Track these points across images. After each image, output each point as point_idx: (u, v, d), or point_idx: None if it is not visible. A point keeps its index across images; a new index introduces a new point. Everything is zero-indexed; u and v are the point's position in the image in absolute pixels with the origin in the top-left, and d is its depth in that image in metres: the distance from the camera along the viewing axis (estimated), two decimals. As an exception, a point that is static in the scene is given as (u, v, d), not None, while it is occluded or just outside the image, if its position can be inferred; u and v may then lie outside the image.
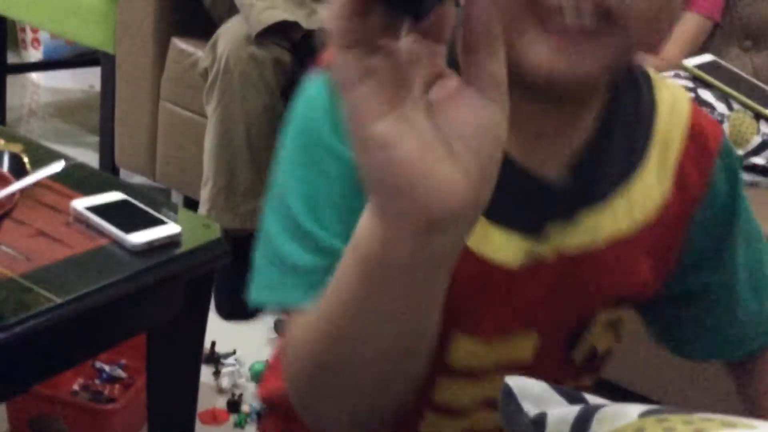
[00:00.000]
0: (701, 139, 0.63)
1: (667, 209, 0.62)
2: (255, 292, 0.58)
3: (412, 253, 0.40)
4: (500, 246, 0.58)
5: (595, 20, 0.50)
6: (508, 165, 0.47)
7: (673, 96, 0.63)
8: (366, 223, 0.41)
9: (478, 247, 0.57)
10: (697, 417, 0.47)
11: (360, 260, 0.43)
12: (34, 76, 2.86)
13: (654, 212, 0.61)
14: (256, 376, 1.59)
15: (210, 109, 1.76)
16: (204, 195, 1.79)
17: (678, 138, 0.62)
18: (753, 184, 1.53)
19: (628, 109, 0.61)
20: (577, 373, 0.67)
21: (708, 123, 0.65)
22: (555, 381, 0.60)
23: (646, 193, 0.61)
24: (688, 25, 1.77)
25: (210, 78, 1.74)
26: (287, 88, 1.77)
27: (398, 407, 0.52)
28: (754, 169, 1.56)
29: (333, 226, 0.54)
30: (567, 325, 0.63)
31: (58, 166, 0.85)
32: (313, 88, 0.58)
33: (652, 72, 0.64)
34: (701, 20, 1.79)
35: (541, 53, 0.51)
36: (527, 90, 0.52)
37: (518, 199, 0.57)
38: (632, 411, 0.50)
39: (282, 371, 0.55)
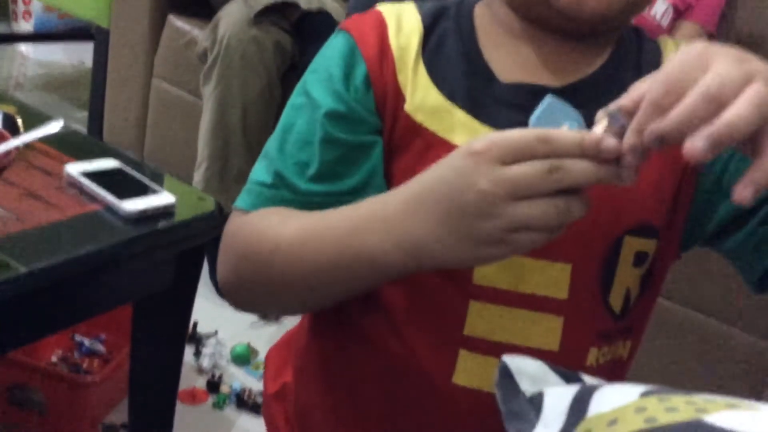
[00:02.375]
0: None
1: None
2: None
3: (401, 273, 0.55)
4: None
5: None
6: (522, 88, 0.63)
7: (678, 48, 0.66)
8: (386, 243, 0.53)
9: None
10: (700, 398, 0.47)
11: (356, 251, 0.55)
12: (23, 48, 2.82)
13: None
14: (238, 359, 1.59)
15: (207, 90, 1.75)
16: (197, 177, 1.78)
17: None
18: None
19: (631, 52, 0.66)
20: (614, 324, 0.65)
21: None
22: (594, 333, 0.65)
23: None
24: (685, 32, 1.79)
25: (210, 59, 1.73)
26: (286, 72, 1.76)
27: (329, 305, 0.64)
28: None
29: (292, 156, 0.64)
30: (597, 254, 0.63)
31: (56, 126, 0.83)
32: (338, 38, 0.67)
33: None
34: (697, 29, 1.81)
35: None
36: (555, 30, 0.63)
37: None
38: (633, 391, 0.50)
39: (220, 256, 0.65)
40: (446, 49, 0.65)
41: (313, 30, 1.72)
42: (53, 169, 1.00)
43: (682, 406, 0.45)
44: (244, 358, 1.59)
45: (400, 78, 0.63)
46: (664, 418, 0.42)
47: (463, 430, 0.65)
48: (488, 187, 0.48)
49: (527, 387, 0.56)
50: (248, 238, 0.63)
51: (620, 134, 0.50)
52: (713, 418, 0.41)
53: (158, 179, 1.03)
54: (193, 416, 1.43)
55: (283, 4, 1.72)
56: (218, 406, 1.47)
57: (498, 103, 0.63)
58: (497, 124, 0.61)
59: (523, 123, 0.54)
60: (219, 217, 1.02)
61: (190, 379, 1.50)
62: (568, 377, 0.57)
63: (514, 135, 0.49)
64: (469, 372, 0.63)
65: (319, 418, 0.71)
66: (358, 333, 0.66)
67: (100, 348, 1.47)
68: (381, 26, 0.65)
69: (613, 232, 0.63)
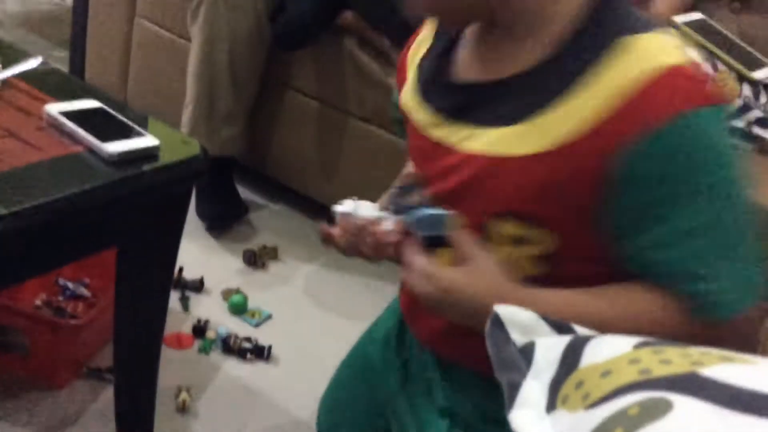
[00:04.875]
0: (637, 114, 0.63)
1: (572, 148, 0.66)
2: None
3: None
4: (425, 121, 0.76)
5: None
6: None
7: (643, 61, 0.64)
8: None
9: (424, 129, 0.76)
10: (694, 350, 0.46)
11: None
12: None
13: (558, 145, 0.66)
14: (234, 308, 1.58)
15: (194, 30, 1.71)
16: (184, 118, 1.75)
17: (616, 94, 0.64)
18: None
19: (567, 59, 0.68)
20: None
21: (662, 106, 0.63)
22: None
23: (553, 126, 0.67)
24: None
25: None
26: (274, 12, 1.72)
27: None
28: (733, 132, 1.56)
29: None
30: (477, 221, 0.71)
31: (34, 63, 0.80)
32: None
33: (639, 39, 0.65)
34: None
35: None
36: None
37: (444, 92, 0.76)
38: (626, 342, 0.49)
39: None
40: (433, 52, 0.79)
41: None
42: (33, 109, 0.97)
43: (676, 358, 0.44)
44: (240, 307, 1.58)
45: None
46: (659, 371, 0.41)
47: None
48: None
49: (518, 337, 0.55)
50: None
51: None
52: (709, 371, 0.40)
53: (142, 121, 1.00)
54: (179, 361, 1.43)
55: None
56: (204, 351, 1.48)
57: (438, 87, 0.77)
58: (431, 106, 0.77)
59: (445, 105, 0.75)
60: (204, 160, 1.00)
61: (175, 324, 1.50)
62: (561, 328, 0.56)
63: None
64: None
65: None
66: None
67: (85, 292, 1.46)
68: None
69: (477, 216, 0.71)
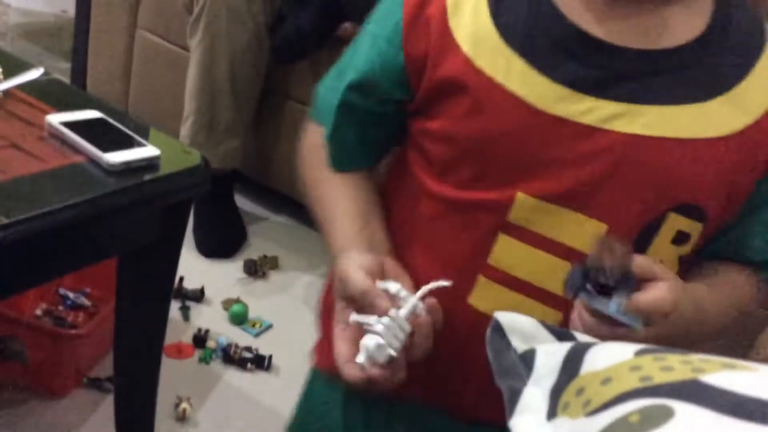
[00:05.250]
0: None
1: (754, 130, 0.61)
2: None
3: None
4: (541, 94, 0.61)
5: None
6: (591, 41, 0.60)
7: None
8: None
9: (543, 103, 0.61)
10: (696, 357, 0.46)
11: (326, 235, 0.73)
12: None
13: (740, 125, 0.61)
14: (235, 318, 1.58)
15: (194, 42, 1.71)
16: (184, 131, 1.75)
17: None
18: None
19: (735, 17, 0.62)
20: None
21: None
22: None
23: (743, 104, 0.61)
24: None
25: (196, 10, 1.69)
26: (274, 23, 1.72)
27: None
28: None
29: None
30: (635, 221, 0.62)
31: (36, 73, 0.80)
32: None
33: None
34: None
35: None
36: None
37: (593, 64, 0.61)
38: (627, 349, 0.49)
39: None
40: (521, 9, 0.63)
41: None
42: (35, 119, 0.98)
43: (677, 365, 0.44)
44: (241, 317, 1.58)
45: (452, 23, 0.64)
46: (660, 378, 0.41)
47: (468, 354, 0.67)
48: None
49: (518, 344, 0.55)
50: (306, 159, 0.78)
51: None
52: (710, 378, 0.40)
53: (143, 132, 1.01)
54: (179, 371, 1.43)
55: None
56: (204, 360, 1.47)
57: (556, 48, 0.61)
58: (554, 75, 0.61)
59: (580, 76, 0.60)
60: (205, 171, 1.00)
61: (176, 334, 1.50)
62: (561, 335, 0.56)
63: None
64: (485, 298, 0.66)
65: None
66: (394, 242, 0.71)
67: (85, 301, 1.46)
68: None
69: (658, 206, 0.62)
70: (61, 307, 1.45)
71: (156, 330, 1.13)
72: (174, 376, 1.39)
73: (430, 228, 0.68)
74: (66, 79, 2.18)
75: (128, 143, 0.96)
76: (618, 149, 0.60)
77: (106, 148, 0.93)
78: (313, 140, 0.77)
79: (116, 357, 1.16)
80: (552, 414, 0.45)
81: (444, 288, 0.63)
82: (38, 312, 1.42)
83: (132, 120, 1.05)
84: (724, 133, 0.61)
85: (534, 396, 0.47)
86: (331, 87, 0.74)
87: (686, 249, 0.65)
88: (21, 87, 1.01)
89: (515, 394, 0.48)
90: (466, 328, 0.66)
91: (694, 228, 0.64)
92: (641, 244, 0.63)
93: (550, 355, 0.53)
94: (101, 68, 2.09)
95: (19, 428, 1.26)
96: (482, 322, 0.62)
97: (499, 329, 0.56)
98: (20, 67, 1.05)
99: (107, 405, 1.29)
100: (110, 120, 1.00)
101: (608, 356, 0.49)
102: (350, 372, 0.61)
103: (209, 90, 1.71)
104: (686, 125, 0.60)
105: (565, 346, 0.53)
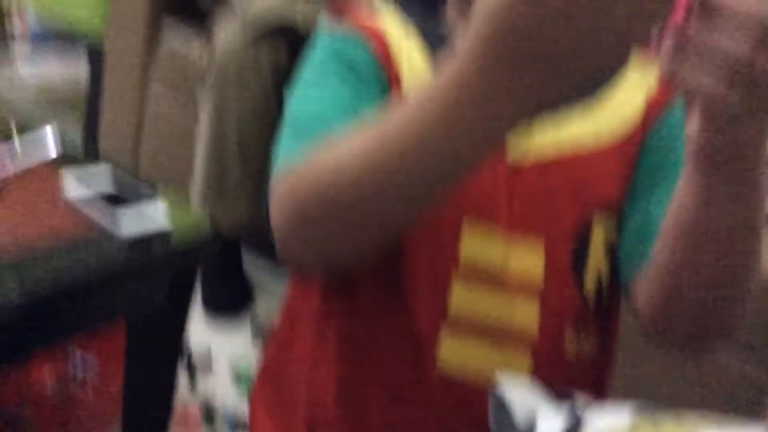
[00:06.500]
0: None
1: (641, 122, 0.64)
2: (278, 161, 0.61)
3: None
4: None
5: None
6: None
7: None
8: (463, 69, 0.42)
9: None
10: (690, 420, 0.45)
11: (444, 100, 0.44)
12: (19, 64, 2.82)
13: (629, 127, 0.64)
14: (242, 384, 1.56)
15: (204, 110, 1.74)
16: (193, 193, 1.76)
17: None
18: None
19: None
20: (588, 309, 0.65)
21: None
22: (569, 316, 0.65)
23: (626, 100, 0.64)
24: None
25: (206, 80, 1.73)
26: (282, 85, 1.75)
27: (389, 245, 0.56)
28: None
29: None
30: (567, 232, 0.63)
31: (49, 133, 0.82)
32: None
33: None
34: None
35: None
36: None
37: None
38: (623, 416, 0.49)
39: (273, 208, 0.56)
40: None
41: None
42: (49, 187, 0.99)
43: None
44: (249, 381, 1.56)
45: (396, 64, 0.64)
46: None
47: (446, 420, 0.65)
48: None
49: (521, 420, 0.54)
50: (308, 168, 0.54)
51: None
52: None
53: (153, 195, 1.01)
54: (186, 439, 1.41)
55: (280, 23, 1.72)
56: (211, 427, 1.45)
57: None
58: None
59: None
60: (214, 235, 1.00)
61: (183, 402, 1.48)
62: (560, 394, 0.56)
63: None
64: (454, 352, 0.64)
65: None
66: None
67: (93, 370, 1.45)
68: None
69: (584, 208, 0.64)
70: (68, 374, 1.43)
71: (164, 398, 1.12)
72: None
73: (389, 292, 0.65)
74: (78, 140, 2.22)
75: (139, 210, 0.97)
76: (533, 172, 0.63)
77: (117, 216, 0.93)
78: (318, 159, 0.54)
79: (124, 427, 1.15)
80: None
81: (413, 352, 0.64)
82: (46, 379, 1.40)
83: (143, 186, 1.06)
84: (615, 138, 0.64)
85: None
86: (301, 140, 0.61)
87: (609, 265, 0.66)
88: (34, 149, 1.02)
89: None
90: (437, 391, 0.65)
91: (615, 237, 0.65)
92: (579, 256, 0.64)
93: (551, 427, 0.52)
94: (113, 130, 2.12)
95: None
96: (454, 385, 0.64)
97: (501, 404, 0.55)
98: (33, 126, 1.06)
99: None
100: (122, 189, 1.01)
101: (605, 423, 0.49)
102: None
103: (218, 152, 1.73)
104: (587, 132, 0.64)
105: (564, 423, 0.52)
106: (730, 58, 0.42)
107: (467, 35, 0.42)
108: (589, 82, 0.42)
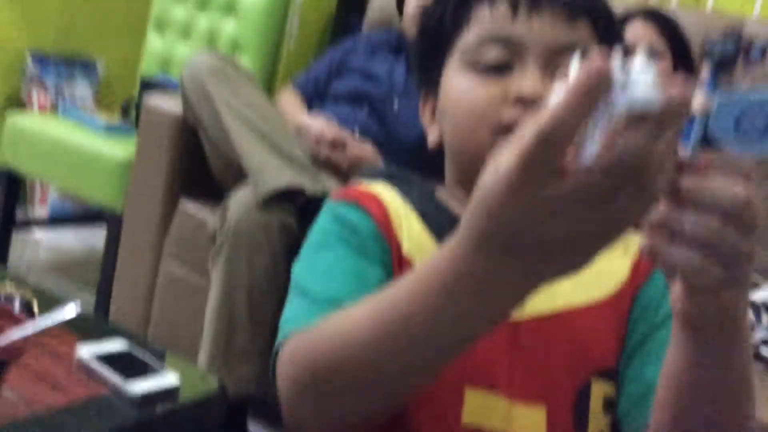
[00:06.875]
0: None
1: (628, 282, 0.69)
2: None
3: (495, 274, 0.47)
4: None
5: None
6: None
7: None
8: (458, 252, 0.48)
9: None
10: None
11: (440, 277, 0.49)
12: (37, 231, 2.93)
13: (618, 285, 0.69)
14: None
15: (215, 271, 1.79)
16: (201, 356, 1.78)
17: None
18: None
19: None
20: None
21: None
22: None
23: (612, 265, 0.69)
24: None
25: (218, 242, 1.79)
26: (291, 250, 1.81)
27: (394, 409, 0.60)
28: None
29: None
30: (567, 396, 0.67)
31: (71, 312, 0.87)
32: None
33: None
34: None
35: None
36: None
37: None
38: None
39: (281, 382, 0.60)
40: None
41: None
42: (63, 350, 1.03)
43: None
44: None
45: (396, 230, 0.71)
46: None
47: None
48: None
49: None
50: (315, 334, 0.58)
51: None
52: None
53: (161, 359, 1.05)
54: None
55: (289, 189, 1.81)
56: None
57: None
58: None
59: None
60: (222, 398, 1.03)
61: None
62: None
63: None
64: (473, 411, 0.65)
65: None
66: None
67: None
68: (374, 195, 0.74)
69: (581, 374, 0.67)
70: None
71: None
72: None
73: None
74: (90, 306, 2.27)
75: (149, 373, 1.00)
76: (530, 327, 0.67)
77: (128, 379, 0.97)
78: (323, 327, 0.59)
79: None
80: None
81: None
82: None
83: (152, 348, 1.10)
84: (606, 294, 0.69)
85: None
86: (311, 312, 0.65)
87: (613, 416, 0.68)
88: (53, 322, 1.07)
89: None
90: None
91: (613, 391, 0.68)
92: (580, 422, 0.66)
93: None
94: (125, 297, 2.18)
95: None
96: None
97: None
98: (54, 302, 1.12)
99: None
100: (134, 351, 1.05)
101: None
102: None
103: (227, 317, 1.76)
104: (579, 293, 0.68)
105: None
106: (702, 235, 0.47)
107: (466, 225, 0.47)
108: (580, 261, 0.46)
